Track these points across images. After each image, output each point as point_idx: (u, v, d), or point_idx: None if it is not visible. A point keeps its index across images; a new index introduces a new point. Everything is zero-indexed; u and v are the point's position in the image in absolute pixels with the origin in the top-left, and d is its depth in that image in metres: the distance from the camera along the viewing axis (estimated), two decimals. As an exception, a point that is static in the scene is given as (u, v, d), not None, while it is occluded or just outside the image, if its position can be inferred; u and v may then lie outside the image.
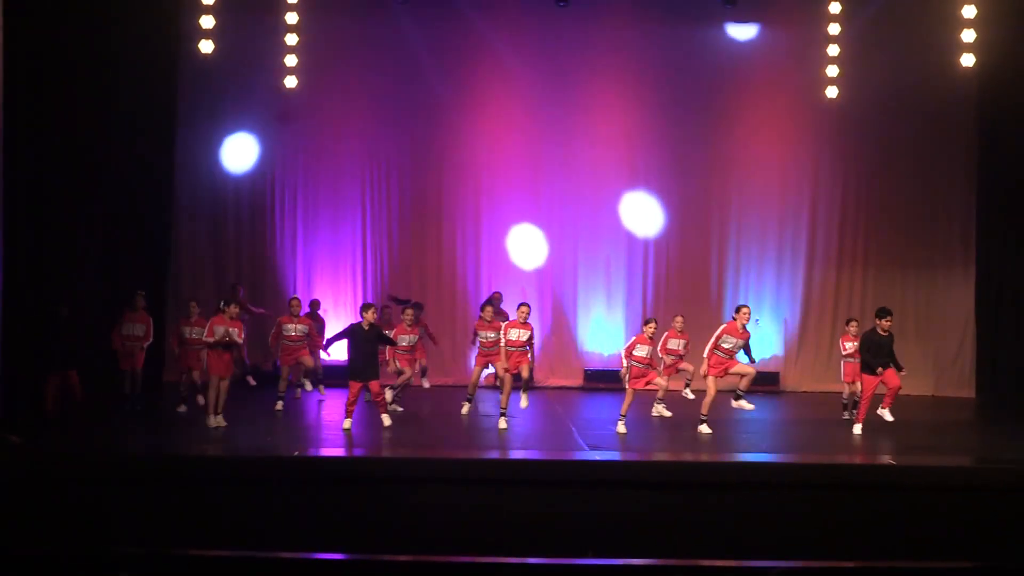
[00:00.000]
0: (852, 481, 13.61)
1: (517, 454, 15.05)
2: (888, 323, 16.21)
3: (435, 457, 14.43)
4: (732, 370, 16.23)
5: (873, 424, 17.44)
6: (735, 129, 21.55)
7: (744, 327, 16.20)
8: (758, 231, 21.69)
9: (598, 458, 14.38)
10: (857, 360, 16.90)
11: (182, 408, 17.21)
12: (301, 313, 18.31)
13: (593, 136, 21.55)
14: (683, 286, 21.56)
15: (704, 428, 16.06)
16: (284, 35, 20.01)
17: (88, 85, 17.19)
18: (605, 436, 16.11)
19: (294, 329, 17.99)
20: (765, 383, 21.16)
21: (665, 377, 16.92)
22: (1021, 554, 12.91)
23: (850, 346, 17.46)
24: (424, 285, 21.49)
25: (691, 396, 17.84)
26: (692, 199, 21.70)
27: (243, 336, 16.10)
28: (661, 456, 14.96)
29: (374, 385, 15.94)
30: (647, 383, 16.35)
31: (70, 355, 16.09)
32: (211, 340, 15.66)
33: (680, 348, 17.56)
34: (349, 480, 13.36)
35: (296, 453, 14.51)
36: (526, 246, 21.74)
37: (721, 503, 13.26)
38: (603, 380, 20.78)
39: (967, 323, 20.81)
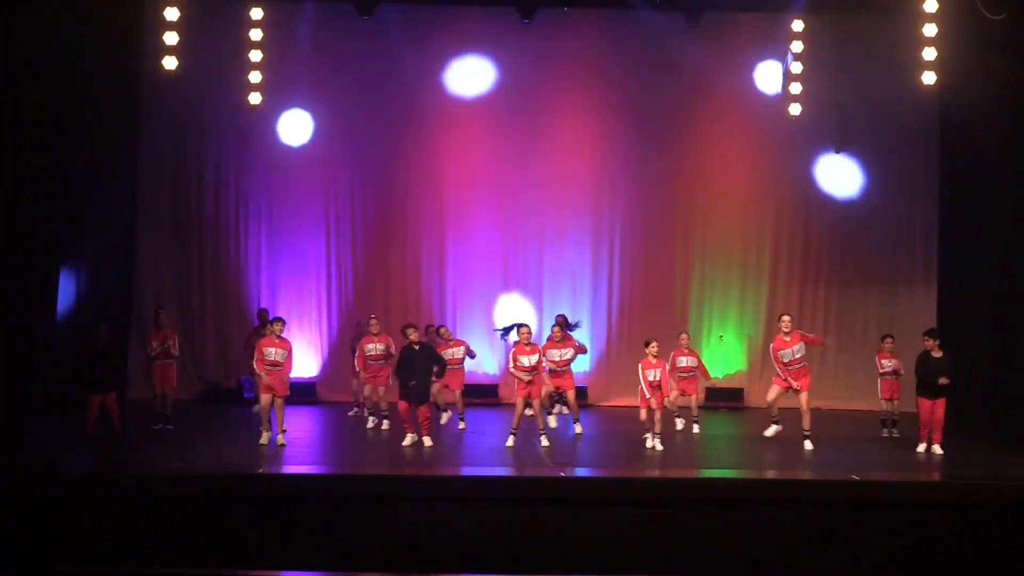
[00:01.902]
0: (817, 497, 13.67)
1: (483, 472, 15.02)
2: (932, 343, 16.54)
3: (399, 475, 14.40)
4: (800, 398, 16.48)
5: (835, 440, 17.55)
6: (698, 146, 21.63)
7: (786, 334, 16.47)
8: (722, 247, 21.76)
9: (563, 475, 14.37)
10: (894, 378, 17.71)
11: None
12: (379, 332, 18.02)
13: (557, 152, 21.57)
14: (647, 303, 21.58)
15: (807, 444, 16.42)
16: (248, 52, 19.94)
17: (50, 100, 17.07)
18: (570, 453, 16.11)
19: (374, 349, 17.84)
20: (729, 399, 21.27)
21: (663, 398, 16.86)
22: (986, 570, 13.01)
23: (887, 363, 17.73)
24: (388, 302, 21.44)
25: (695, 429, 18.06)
26: (656, 216, 21.76)
27: (290, 356, 16.37)
28: (627, 473, 14.94)
29: (423, 410, 16.10)
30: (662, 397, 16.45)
31: (110, 378, 16.43)
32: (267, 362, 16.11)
33: (690, 364, 17.87)
34: (315, 497, 13.34)
35: (260, 470, 14.47)
36: (491, 261, 21.72)
37: (686, 520, 13.30)
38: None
39: (929, 339, 20.94)
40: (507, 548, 13.01)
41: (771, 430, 16.71)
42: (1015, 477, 14.73)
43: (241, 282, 21.40)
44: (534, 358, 16.41)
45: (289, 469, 14.96)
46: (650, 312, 21.35)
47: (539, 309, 21.50)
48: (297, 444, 16.41)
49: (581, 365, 21.30)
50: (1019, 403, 17.44)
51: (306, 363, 21.20)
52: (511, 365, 16.46)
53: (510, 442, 16.24)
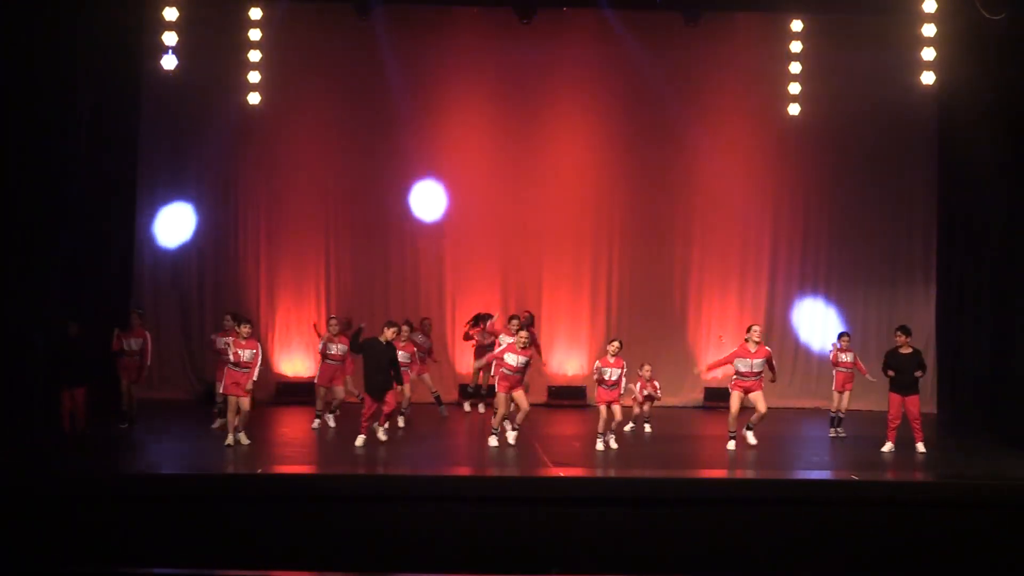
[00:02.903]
0: (815, 497, 13.67)
1: (482, 472, 15.02)
2: (903, 339, 16.51)
3: (397, 475, 14.40)
4: (751, 397, 16.43)
5: (834, 440, 17.56)
6: (697, 146, 21.59)
7: (755, 343, 16.46)
8: (720, 248, 21.75)
9: (562, 475, 14.37)
10: (847, 371, 17.70)
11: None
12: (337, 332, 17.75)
13: (556, 152, 21.56)
14: (646, 305, 21.56)
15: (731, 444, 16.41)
16: (247, 52, 19.98)
17: (50, 99, 17.06)
18: (569, 453, 16.10)
19: (335, 348, 17.65)
20: (728, 399, 21.22)
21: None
22: (986, 570, 13.01)
23: (845, 357, 17.78)
24: (387, 304, 21.42)
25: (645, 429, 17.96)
26: (655, 215, 21.74)
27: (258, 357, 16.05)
28: (625, 473, 14.95)
29: (389, 397, 16.06)
30: (609, 403, 16.36)
31: (79, 373, 16.27)
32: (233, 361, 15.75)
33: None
34: (313, 497, 13.33)
35: (259, 470, 14.47)
36: (489, 260, 21.72)
37: (684, 519, 13.29)
38: (566, 397, 20.76)
39: (928, 340, 20.89)
40: (507, 548, 13.01)
41: (732, 444, 16.61)
42: (1014, 477, 14.75)
43: (239, 282, 21.36)
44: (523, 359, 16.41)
45: (288, 469, 14.96)
46: (649, 312, 21.33)
47: (538, 311, 21.44)
48: (296, 444, 16.40)
49: (581, 366, 21.34)
50: (1017, 403, 17.44)
51: (304, 363, 21.19)
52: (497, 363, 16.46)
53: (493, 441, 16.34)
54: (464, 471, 15.19)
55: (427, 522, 13.07)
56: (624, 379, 16.26)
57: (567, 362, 21.44)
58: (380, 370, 16.04)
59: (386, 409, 16.08)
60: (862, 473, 14.55)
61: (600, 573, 12.70)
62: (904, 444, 16.35)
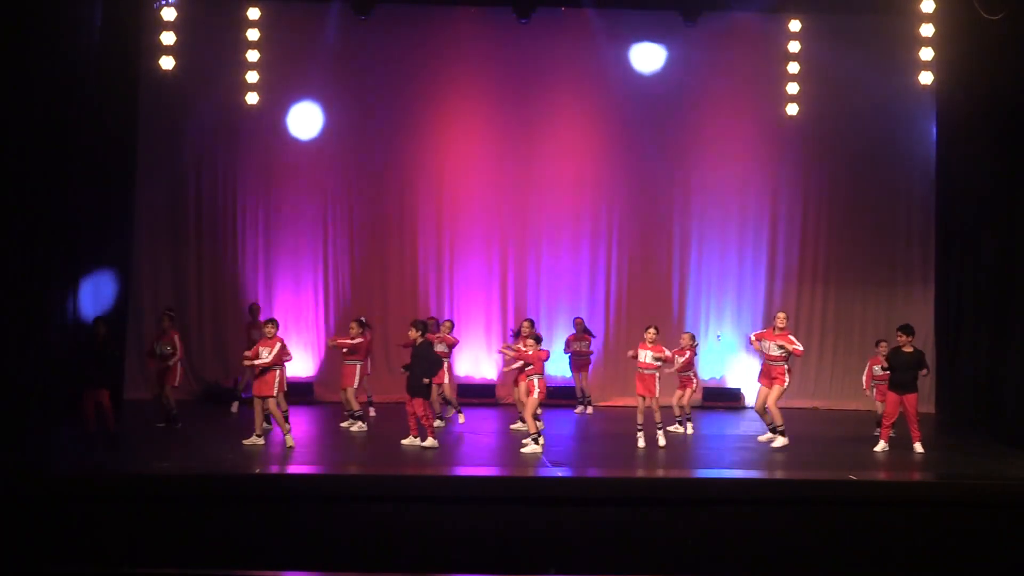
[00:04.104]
0: (814, 497, 13.67)
1: (480, 471, 15.02)
2: (904, 339, 16.53)
3: (397, 475, 14.39)
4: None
5: (833, 440, 17.58)
6: (696, 146, 21.65)
7: (780, 329, 16.64)
8: (718, 247, 21.79)
9: (560, 475, 14.37)
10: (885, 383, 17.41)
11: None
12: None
13: (555, 151, 21.59)
14: (644, 303, 21.59)
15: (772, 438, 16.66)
16: (245, 52, 19.98)
17: (48, 100, 17.03)
18: (569, 453, 16.10)
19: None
20: (727, 399, 21.28)
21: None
22: (985, 570, 13.02)
23: (879, 369, 17.60)
24: (386, 301, 21.44)
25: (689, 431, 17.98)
26: (653, 215, 21.77)
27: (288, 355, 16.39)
28: (623, 473, 14.95)
29: (418, 403, 15.92)
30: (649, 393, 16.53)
31: (106, 374, 16.29)
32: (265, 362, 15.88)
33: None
34: (311, 497, 13.33)
35: (257, 470, 14.48)
36: (488, 260, 21.72)
37: (683, 519, 13.29)
38: (565, 396, 20.69)
39: (926, 341, 20.87)
40: (506, 548, 13.00)
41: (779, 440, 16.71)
42: (1013, 477, 14.76)
43: (238, 282, 21.37)
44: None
45: (288, 469, 14.95)
46: (648, 311, 21.29)
47: (537, 311, 21.45)
48: (296, 444, 16.37)
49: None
50: (1016, 403, 17.45)
51: (303, 363, 21.16)
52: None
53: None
54: (464, 471, 15.18)
55: (427, 522, 13.06)
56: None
57: (565, 365, 21.39)
58: (425, 372, 16.04)
59: (420, 413, 16.06)
60: (862, 473, 14.56)
61: (599, 573, 12.70)
62: (902, 444, 16.38)
